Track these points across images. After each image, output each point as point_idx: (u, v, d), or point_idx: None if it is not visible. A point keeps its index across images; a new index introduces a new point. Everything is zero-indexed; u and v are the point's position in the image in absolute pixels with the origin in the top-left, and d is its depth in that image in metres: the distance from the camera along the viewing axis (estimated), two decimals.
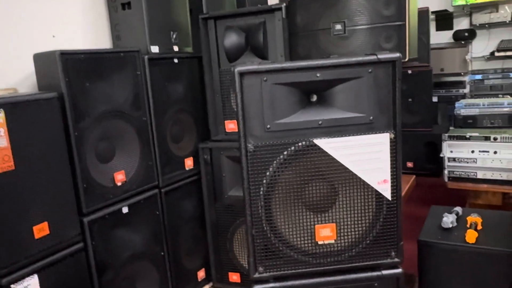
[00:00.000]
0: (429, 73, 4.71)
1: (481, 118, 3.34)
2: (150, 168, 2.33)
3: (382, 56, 1.26)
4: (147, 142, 2.31)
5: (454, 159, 2.90)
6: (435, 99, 5.30)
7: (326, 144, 1.30)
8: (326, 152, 1.30)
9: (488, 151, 2.78)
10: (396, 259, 1.39)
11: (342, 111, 1.30)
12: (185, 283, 2.67)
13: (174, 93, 2.50)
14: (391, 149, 1.32)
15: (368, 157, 1.31)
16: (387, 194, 1.34)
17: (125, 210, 2.18)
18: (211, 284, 2.86)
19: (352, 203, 1.35)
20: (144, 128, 2.29)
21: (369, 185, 1.33)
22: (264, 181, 1.31)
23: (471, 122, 3.37)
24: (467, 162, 2.86)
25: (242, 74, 1.25)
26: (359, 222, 1.36)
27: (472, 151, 2.83)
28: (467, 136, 2.84)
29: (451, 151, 2.90)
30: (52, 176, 1.81)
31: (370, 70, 1.27)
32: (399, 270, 1.40)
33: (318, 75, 1.26)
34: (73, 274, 1.91)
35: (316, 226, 1.35)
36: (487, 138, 2.77)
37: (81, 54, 1.95)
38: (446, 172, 2.93)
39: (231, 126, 2.51)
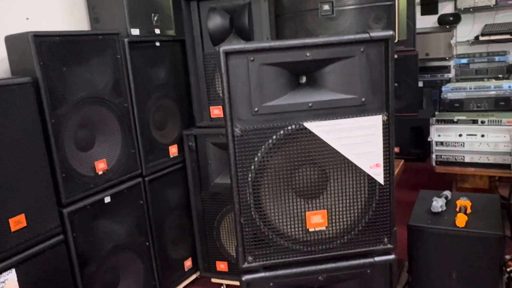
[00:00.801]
0: (414, 58, 4.69)
1: (467, 102, 3.32)
2: (132, 156, 2.24)
3: (375, 34, 1.20)
4: (129, 129, 2.22)
5: (441, 143, 2.88)
6: (420, 84, 5.29)
7: (317, 127, 1.24)
8: (317, 136, 1.25)
9: (475, 135, 2.77)
10: (389, 245, 1.35)
11: (333, 93, 1.24)
12: (171, 273, 2.61)
13: (156, 78, 2.41)
14: (383, 132, 1.27)
15: (360, 141, 1.26)
16: (380, 178, 1.29)
17: (107, 200, 2.10)
18: (198, 273, 2.81)
19: (344, 189, 1.30)
20: (126, 114, 2.20)
21: (361, 169, 1.28)
22: (252, 167, 1.25)
23: (458, 106, 3.35)
24: (455, 146, 2.84)
25: (227, 54, 1.18)
26: (351, 208, 1.31)
27: (460, 135, 2.81)
28: (455, 120, 2.82)
29: (439, 135, 2.88)
30: (28, 166, 1.72)
31: (362, 49, 1.21)
32: (392, 257, 1.36)
33: (307, 54, 1.20)
34: (53, 268, 1.83)
35: (306, 213, 1.30)
36: (474, 122, 2.76)
37: (56, 37, 1.84)
38: (433, 156, 2.91)
39: (216, 112, 2.44)
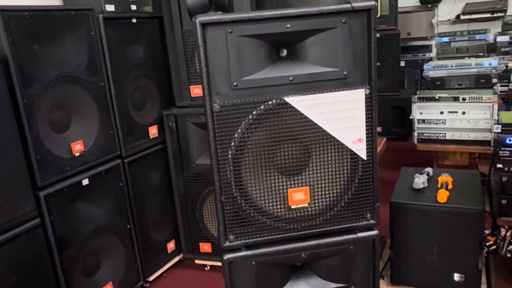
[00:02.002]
0: (396, 37, 4.67)
1: (449, 80, 3.33)
2: (110, 137, 2.18)
3: (357, 4, 1.16)
4: (106, 110, 2.15)
5: (423, 121, 2.89)
6: (402, 63, 5.30)
7: (298, 102, 1.21)
8: (298, 111, 1.21)
9: (456, 112, 2.77)
10: (371, 221, 1.34)
11: (315, 66, 1.21)
12: (154, 255, 2.58)
13: (134, 57, 2.33)
14: (366, 106, 1.24)
15: (342, 115, 1.23)
16: (362, 153, 1.27)
17: (85, 182, 2.04)
18: (181, 255, 2.79)
19: (326, 165, 1.27)
20: (102, 94, 2.13)
21: (343, 144, 1.26)
22: (233, 143, 1.21)
23: (439, 84, 3.35)
24: (436, 124, 2.85)
25: (204, 25, 1.13)
26: (334, 184, 1.29)
27: (441, 112, 2.82)
28: (436, 97, 2.82)
29: (421, 113, 2.89)
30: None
31: (344, 20, 1.17)
32: (374, 232, 1.35)
33: (288, 26, 1.16)
34: (31, 252, 1.78)
35: (288, 190, 1.28)
36: (456, 99, 2.76)
37: (25, 12, 1.75)
38: (415, 134, 2.92)
39: (196, 91, 2.38)
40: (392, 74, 4.76)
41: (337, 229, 1.33)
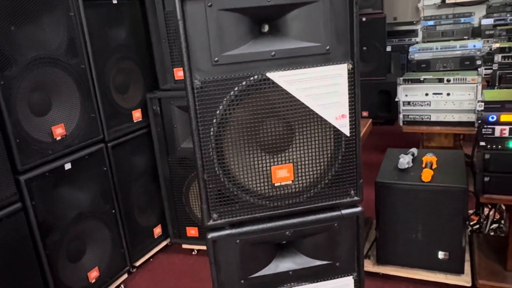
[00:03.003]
0: (382, 21, 4.66)
1: (434, 62, 3.34)
2: (93, 120, 2.15)
3: None
4: (88, 93, 2.11)
5: (408, 103, 2.89)
6: (388, 48, 5.30)
7: (280, 77, 1.19)
8: (280, 87, 1.20)
9: (441, 93, 2.79)
10: (355, 198, 1.34)
11: (297, 41, 1.19)
12: (140, 240, 2.57)
13: (115, 39, 2.29)
14: (349, 81, 1.23)
15: (325, 91, 1.22)
16: (346, 130, 1.27)
17: (67, 166, 2.01)
18: (168, 240, 2.78)
19: (310, 142, 1.26)
20: (84, 77, 2.08)
21: (326, 121, 1.25)
22: (214, 120, 1.20)
23: (425, 66, 3.36)
24: (421, 105, 2.86)
25: None
26: (317, 161, 1.28)
27: (426, 94, 2.83)
28: (421, 79, 2.82)
29: (406, 95, 2.89)
30: None
31: None
32: (359, 209, 1.35)
33: None
34: (13, 237, 1.75)
35: (272, 167, 1.26)
36: (440, 80, 2.77)
37: None
38: (401, 116, 2.93)
39: (180, 73, 2.35)
40: (378, 58, 4.76)
41: (321, 206, 1.33)
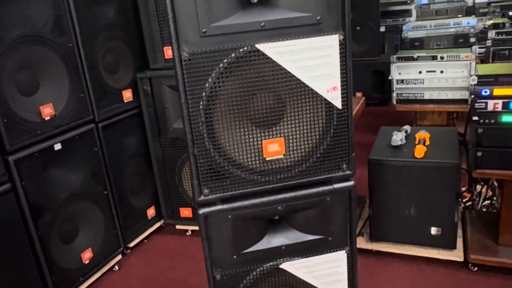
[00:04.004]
0: (376, 0, 4.62)
1: (427, 40, 3.31)
2: (82, 100, 2.11)
3: None
4: (77, 72, 2.08)
5: (402, 81, 2.88)
6: (382, 29, 5.26)
7: (270, 48, 1.16)
8: (271, 59, 1.17)
9: (435, 71, 2.77)
10: (347, 172, 1.33)
11: (287, 11, 1.16)
12: (134, 222, 2.56)
13: (104, 17, 2.24)
14: (340, 53, 1.21)
15: (316, 63, 1.20)
16: (337, 102, 1.25)
17: (57, 147, 1.99)
18: (162, 221, 2.77)
19: (301, 115, 1.25)
20: (71, 56, 2.04)
21: (318, 94, 1.23)
22: (204, 94, 1.17)
23: (418, 44, 3.34)
24: (415, 84, 2.85)
25: None
26: (309, 134, 1.27)
27: (420, 72, 2.81)
28: (415, 57, 2.80)
29: (399, 73, 2.87)
30: None
31: None
32: (351, 183, 1.34)
33: None
34: (3, 218, 1.73)
35: (263, 141, 1.25)
36: (434, 58, 2.75)
37: None
38: (394, 94, 2.91)
39: (170, 52, 2.30)
40: (372, 39, 4.73)
41: (313, 180, 1.32)
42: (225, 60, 1.16)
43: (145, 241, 2.67)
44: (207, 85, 1.17)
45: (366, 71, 4.78)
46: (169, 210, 2.67)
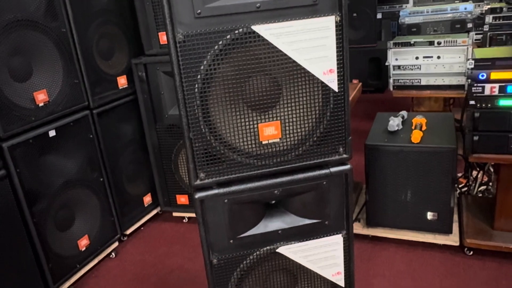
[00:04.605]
0: None
1: (424, 26, 3.29)
2: (76, 86, 2.09)
3: None
4: (70, 58, 2.05)
5: (399, 67, 2.86)
6: (379, 15, 5.23)
7: (266, 30, 1.15)
8: (267, 40, 1.16)
9: (431, 57, 2.75)
10: (344, 155, 1.32)
11: None
12: (130, 209, 2.56)
13: (97, 2, 2.21)
14: (337, 35, 1.19)
15: (312, 44, 1.18)
16: (334, 85, 1.23)
17: (52, 133, 1.97)
18: (159, 208, 2.77)
19: (297, 98, 1.23)
20: (65, 41, 2.02)
21: (314, 76, 1.22)
22: (199, 76, 1.16)
23: (415, 30, 3.32)
24: (412, 69, 2.83)
25: None
26: (305, 118, 1.26)
27: (417, 58, 2.80)
28: (412, 42, 2.78)
29: (396, 59, 2.86)
30: None
31: None
32: (347, 167, 1.33)
33: None
34: None
35: (259, 124, 1.24)
36: (431, 43, 2.73)
37: None
38: (391, 80, 2.90)
39: (166, 38, 2.28)
40: (369, 25, 4.70)
41: (310, 164, 1.31)
42: (220, 42, 1.14)
43: (142, 228, 2.67)
44: (202, 67, 1.15)
45: (363, 58, 4.76)
46: (165, 197, 2.66)
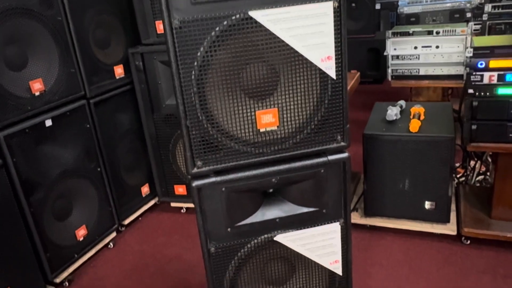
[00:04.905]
0: None
1: (423, 16, 3.27)
2: (73, 76, 2.08)
3: None
4: (66, 47, 2.03)
5: (397, 57, 2.85)
6: (377, 6, 5.19)
7: (263, 16, 1.13)
8: (264, 27, 1.14)
9: (430, 46, 2.74)
10: (342, 143, 1.31)
11: None
12: (128, 199, 2.55)
13: None
14: (335, 21, 1.18)
15: (310, 31, 1.17)
16: (332, 72, 1.22)
17: (48, 123, 1.96)
18: (157, 199, 2.77)
19: (295, 85, 1.22)
20: (61, 29, 2.00)
21: (312, 63, 1.21)
22: (195, 63, 1.15)
23: (414, 20, 3.30)
24: (410, 59, 2.82)
25: None
26: (303, 105, 1.25)
27: (415, 47, 2.78)
28: (410, 32, 2.76)
29: (395, 49, 2.84)
30: None
31: None
32: (345, 155, 1.33)
33: None
34: None
35: (257, 112, 1.23)
36: (429, 33, 2.72)
37: None
38: (389, 70, 2.89)
39: (162, 26, 2.26)
40: (367, 16, 4.67)
41: (308, 152, 1.30)
42: (217, 28, 1.13)
43: (140, 218, 2.67)
44: (198, 54, 1.14)
45: (361, 48, 4.74)
46: (163, 188, 2.66)
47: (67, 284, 2.11)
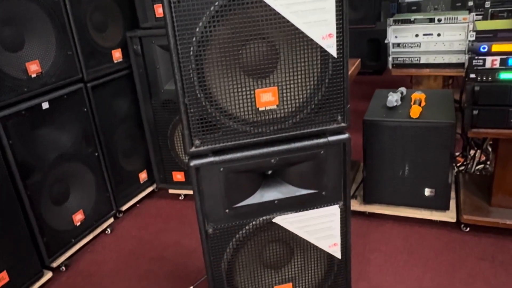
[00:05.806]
0: None
1: (425, 4, 3.25)
2: (70, 58, 2.05)
3: None
4: (63, 29, 2.00)
5: (398, 45, 2.82)
6: None
7: None
8: (264, 2, 1.12)
9: (432, 34, 2.72)
10: (342, 124, 1.29)
11: None
12: (126, 185, 2.54)
13: None
14: None
15: (311, 7, 1.15)
16: (333, 50, 1.20)
17: (45, 106, 1.94)
18: (155, 185, 2.75)
19: (295, 64, 1.20)
20: (58, 11, 1.97)
21: (313, 41, 1.18)
22: (194, 39, 1.12)
23: (415, 9, 3.28)
24: (411, 47, 2.80)
25: None
26: (303, 84, 1.23)
27: (416, 35, 2.76)
28: (412, 19, 2.74)
29: (396, 37, 2.82)
30: None
31: None
32: (345, 136, 1.31)
33: None
34: None
35: (256, 90, 1.21)
36: (431, 20, 2.69)
37: None
38: (390, 59, 2.86)
39: (161, 10, 2.23)
40: (368, 6, 4.64)
41: (307, 133, 1.28)
42: (217, 3, 1.10)
43: (138, 205, 2.66)
44: (197, 29, 1.12)
45: (361, 39, 4.70)
46: (161, 174, 2.64)
47: (64, 268, 2.10)
